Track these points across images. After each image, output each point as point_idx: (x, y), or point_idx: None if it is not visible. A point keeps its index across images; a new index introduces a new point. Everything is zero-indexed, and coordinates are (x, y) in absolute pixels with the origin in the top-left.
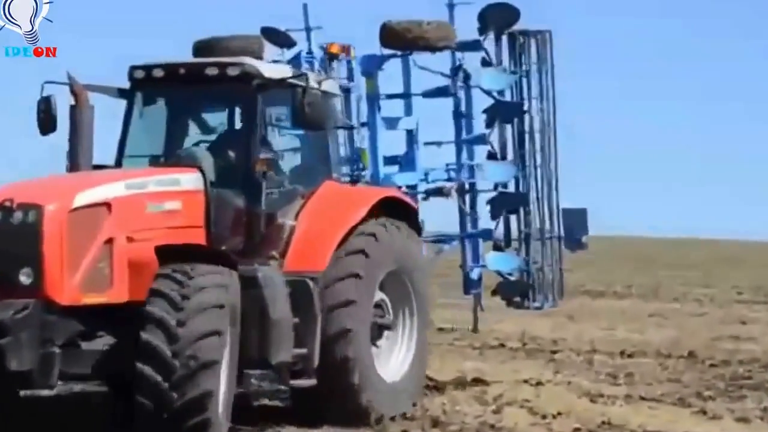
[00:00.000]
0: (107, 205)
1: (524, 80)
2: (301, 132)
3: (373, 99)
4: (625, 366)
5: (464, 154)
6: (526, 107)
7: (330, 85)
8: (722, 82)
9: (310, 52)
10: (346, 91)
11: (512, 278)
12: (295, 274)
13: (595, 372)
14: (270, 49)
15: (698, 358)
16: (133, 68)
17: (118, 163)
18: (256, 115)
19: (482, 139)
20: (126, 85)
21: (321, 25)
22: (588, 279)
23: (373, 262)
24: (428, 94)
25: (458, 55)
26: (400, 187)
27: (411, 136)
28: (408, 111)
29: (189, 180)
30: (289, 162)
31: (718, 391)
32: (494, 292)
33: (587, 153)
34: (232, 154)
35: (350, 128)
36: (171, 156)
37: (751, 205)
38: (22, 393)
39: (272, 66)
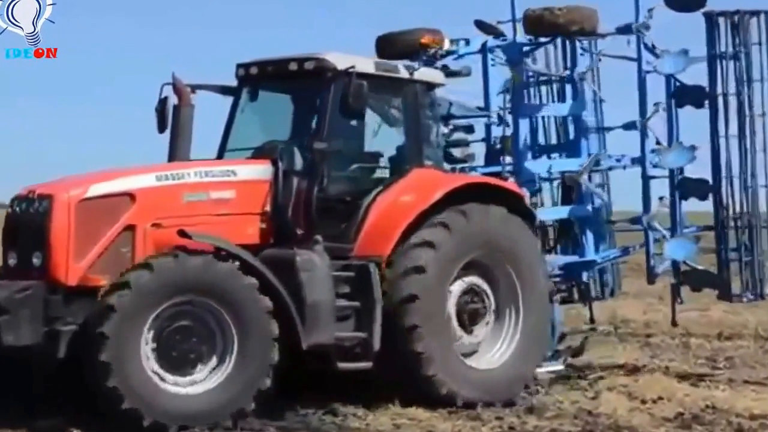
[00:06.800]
0: (130, 195)
1: (718, 62)
2: (395, 120)
3: (518, 87)
4: (723, 349)
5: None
6: (720, 90)
7: (424, 74)
8: None
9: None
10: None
11: (699, 267)
12: (361, 258)
13: (693, 356)
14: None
15: None
16: (238, 66)
17: (220, 156)
18: (327, 105)
19: (646, 125)
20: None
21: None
22: None
23: (444, 253)
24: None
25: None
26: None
27: (577, 122)
28: (563, 96)
29: (250, 171)
30: (380, 150)
31: None
32: (682, 282)
33: None
34: (304, 143)
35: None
36: (261, 148)
37: None
38: None
39: (348, 58)
